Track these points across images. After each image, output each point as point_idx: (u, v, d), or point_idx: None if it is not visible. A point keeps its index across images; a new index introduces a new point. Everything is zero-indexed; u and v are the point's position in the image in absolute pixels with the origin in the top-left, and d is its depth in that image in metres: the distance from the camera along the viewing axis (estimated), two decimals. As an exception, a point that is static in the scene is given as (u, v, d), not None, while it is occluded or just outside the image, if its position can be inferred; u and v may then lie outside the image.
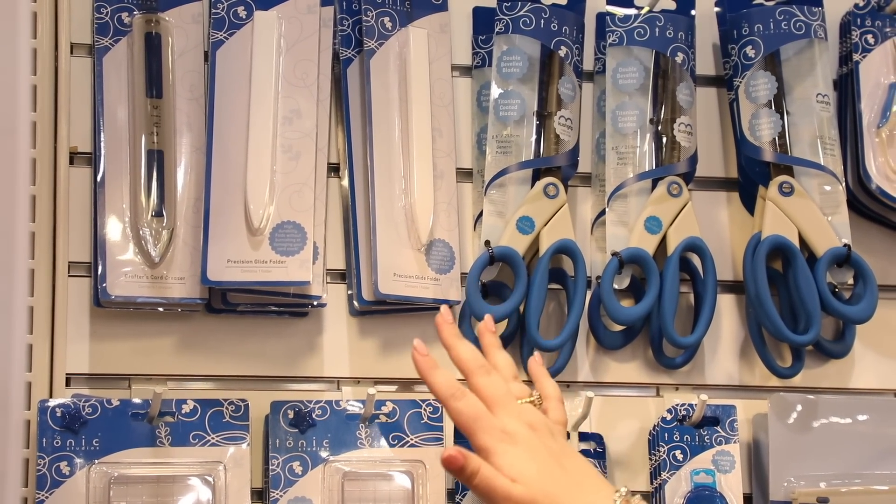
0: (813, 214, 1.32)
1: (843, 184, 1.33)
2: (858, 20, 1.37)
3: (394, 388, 1.30)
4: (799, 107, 1.34)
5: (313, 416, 1.24)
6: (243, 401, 1.23)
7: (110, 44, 1.26)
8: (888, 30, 1.37)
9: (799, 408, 1.31)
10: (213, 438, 1.21)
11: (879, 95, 1.36)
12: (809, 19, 1.35)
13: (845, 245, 1.31)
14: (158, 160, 1.24)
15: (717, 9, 1.41)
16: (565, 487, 1.05)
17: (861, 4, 1.39)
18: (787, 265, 1.33)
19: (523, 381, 1.11)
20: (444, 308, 1.12)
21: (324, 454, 1.23)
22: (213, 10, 1.27)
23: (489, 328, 1.14)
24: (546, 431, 1.08)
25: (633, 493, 1.05)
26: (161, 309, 1.24)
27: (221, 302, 1.26)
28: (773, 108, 1.34)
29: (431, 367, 1.08)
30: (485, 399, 1.07)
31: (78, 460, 1.19)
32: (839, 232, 1.32)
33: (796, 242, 1.31)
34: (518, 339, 1.31)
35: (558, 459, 1.06)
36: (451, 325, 1.11)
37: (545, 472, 1.05)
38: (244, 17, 1.28)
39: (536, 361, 1.15)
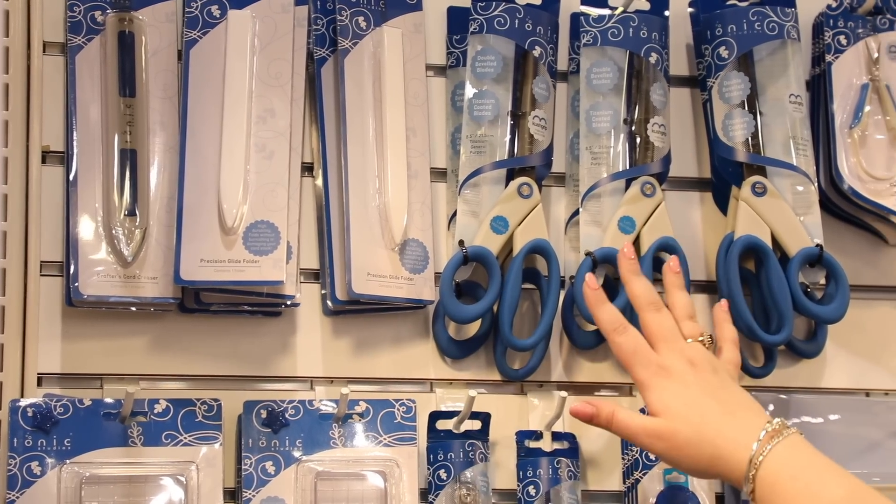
0: (785, 215, 1.32)
1: (816, 184, 1.34)
2: (831, 21, 1.38)
3: (367, 387, 1.30)
4: (772, 107, 1.35)
5: (286, 415, 1.23)
6: (216, 400, 1.22)
7: (83, 42, 1.26)
8: (860, 31, 1.38)
9: (771, 407, 1.31)
10: (185, 438, 1.21)
11: (852, 96, 1.37)
12: (782, 20, 1.35)
13: (817, 245, 1.32)
14: (131, 159, 1.23)
15: (690, 9, 1.41)
16: (713, 419, 1.08)
17: (834, 6, 1.39)
18: (759, 265, 1.33)
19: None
20: (627, 244, 1.17)
21: (297, 454, 1.23)
22: (187, 9, 1.27)
23: (673, 269, 1.18)
24: (708, 368, 1.11)
25: (786, 424, 1.06)
26: (134, 308, 1.23)
27: (194, 301, 1.25)
28: (747, 108, 1.34)
29: (599, 300, 1.15)
30: (650, 334, 1.13)
31: (49, 460, 1.18)
32: (811, 232, 1.33)
33: (769, 242, 1.32)
34: (492, 339, 1.31)
35: (714, 392, 1.09)
36: (632, 261, 1.16)
37: (694, 405, 1.09)
38: (218, 16, 1.27)
39: (722, 308, 1.19)
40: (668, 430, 1.09)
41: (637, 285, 1.15)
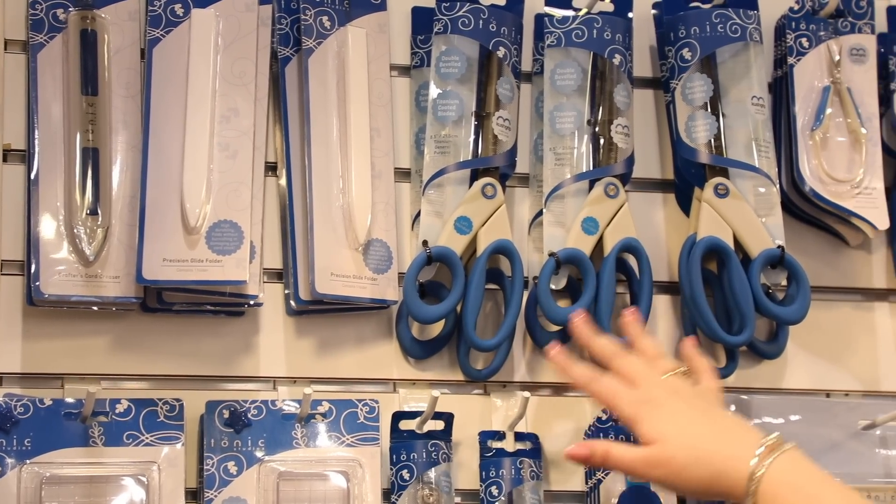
0: (747, 216, 1.33)
1: (778, 186, 1.35)
2: (793, 24, 1.39)
3: (330, 387, 1.29)
4: (734, 109, 1.35)
5: (249, 415, 1.23)
6: (178, 400, 1.22)
7: (45, 40, 1.25)
8: (822, 33, 1.39)
9: (733, 408, 1.32)
10: (147, 438, 1.21)
11: (813, 98, 1.38)
12: (745, 22, 1.36)
13: (779, 246, 1.33)
14: (94, 158, 1.23)
15: (654, 11, 1.42)
16: (709, 439, 1.07)
17: (796, 8, 1.40)
18: (721, 266, 1.34)
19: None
20: (578, 312, 1.17)
21: (259, 454, 1.23)
22: (150, 8, 1.27)
23: (630, 319, 1.17)
24: (692, 394, 1.11)
25: (783, 440, 1.05)
26: (95, 308, 1.23)
27: (157, 301, 1.25)
28: (709, 110, 1.35)
29: (568, 364, 1.14)
30: (627, 377, 1.12)
31: (9, 460, 1.17)
32: (773, 233, 1.33)
33: (731, 244, 1.32)
34: (455, 339, 1.32)
35: (704, 414, 1.09)
36: (584, 327, 1.16)
37: (687, 428, 1.08)
38: (181, 14, 1.27)
39: (687, 344, 1.18)
40: (664, 457, 1.08)
41: (597, 344, 1.15)
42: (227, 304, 1.26)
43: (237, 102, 1.26)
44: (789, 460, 1.04)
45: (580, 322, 1.16)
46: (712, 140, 1.34)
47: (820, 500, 1.02)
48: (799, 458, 1.05)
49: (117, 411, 1.21)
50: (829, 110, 1.37)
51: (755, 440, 1.05)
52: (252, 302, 1.26)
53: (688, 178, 1.36)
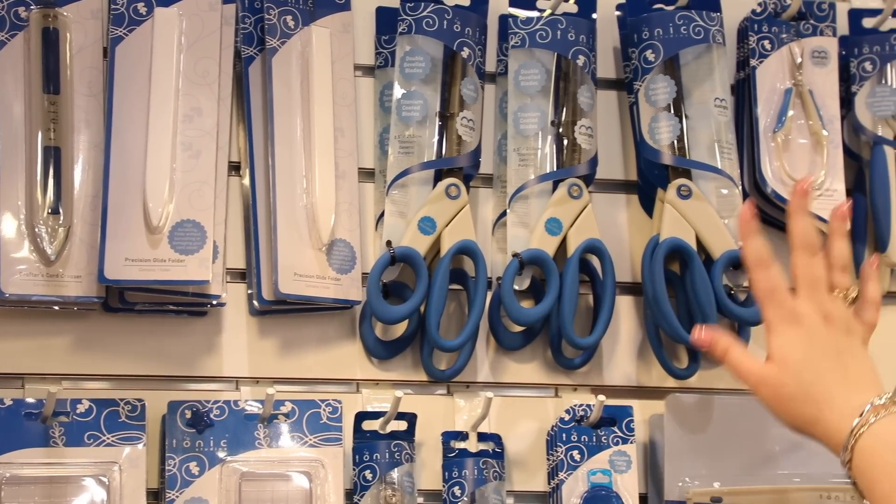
0: (710, 217, 1.33)
1: (740, 187, 1.35)
2: (755, 26, 1.39)
3: (293, 387, 1.29)
4: (697, 111, 1.36)
5: (211, 416, 1.23)
6: (140, 400, 1.22)
7: (6, 38, 1.24)
8: (784, 36, 1.40)
9: (694, 408, 1.32)
10: (108, 438, 1.20)
11: (775, 100, 1.38)
12: (708, 24, 1.37)
13: (741, 248, 1.33)
14: (55, 157, 1.22)
15: (617, 13, 1.42)
16: (828, 380, 1.06)
17: (758, 10, 1.41)
18: (684, 267, 1.34)
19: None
20: (807, 176, 1.18)
21: (221, 454, 1.22)
22: (113, 6, 1.26)
23: (841, 215, 1.15)
24: (842, 326, 1.09)
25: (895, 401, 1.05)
26: (56, 307, 1.22)
27: (119, 301, 1.24)
28: (672, 111, 1.35)
29: (751, 232, 1.12)
30: (796, 277, 1.10)
31: (-31, 461, 1.17)
32: (735, 235, 1.34)
33: (693, 245, 1.33)
34: (418, 340, 1.32)
35: (837, 354, 1.07)
36: (803, 200, 1.13)
37: (812, 361, 1.07)
38: (144, 13, 1.26)
39: (871, 264, 1.16)
40: (776, 380, 1.07)
41: (799, 222, 1.12)
42: (190, 303, 1.26)
43: (200, 102, 1.26)
44: (894, 422, 1.03)
45: (804, 188, 1.13)
46: (675, 141, 1.35)
47: None
48: None
49: (78, 411, 1.20)
50: (790, 112, 1.38)
51: (869, 396, 1.04)
52: (215, 302, 1.25)
53: (651, 179, 1.36)
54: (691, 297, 1.33)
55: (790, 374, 1.08)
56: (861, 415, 1.04)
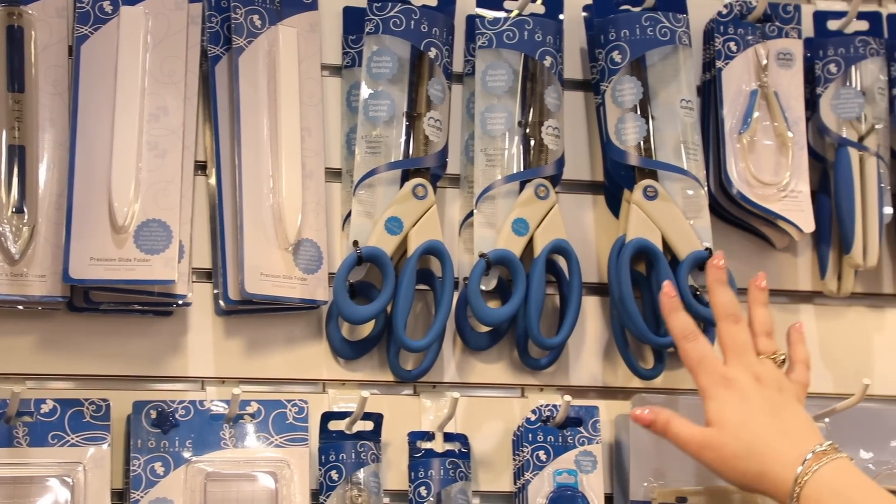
0: (676, 218, 1.34)
1: (706, 188, 1.36)
2: (721, 28, 1.40)
3: (259, 388, 1.29)
4: (663, 112, 1.36)
5: (176, 416, 1.22)
6: (104, 400, 1.21)
7: (-29, 36, 1.24)
8: (750, 38, 1.40)
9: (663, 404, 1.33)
10: (72, 439, 1.19)
11: (741, 102, 1.39)
12: (674, 26, 1.37)
13: (707, 249, 1.34)
14: (20, 155, 1.21)
15: (584, 14, 1.42)
16: (768, 434, 1.09)
17: (724, 12, 1.41)
18: (650, 268, 1.35)
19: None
20: (719, 253, 1.21)
21: (186, 454, 1.22)
22: (78, 5, 1.25)
23: (759, 285, 1.21)
24: (773, 385, 1.12)
25: (836, 448, 1.08)
26: (21, 307, 1.22)
27: (84, 300, 1.24)
28: (639, 112, 1.36)
29: (675, 308, 1.18)
30: (723, 345, 1.15)
31: (-68, 461, 1.16)
32: (701, 236, 1.34)
33: (660, 246, 1.33)
34: (385, 340, 1.31)
35: (773, 410, 1.11)
36: (721, 271, 1.19)
37: (750, 419, 1.10)
38: (110, 12, 1.26)
39: (797, 329, 1.21)
40: (717, 442, 1.11)
41: (721, 295, 1.18)
42: (156, 303, 1.25)
43: (166, 101, 1.25)
44: (837, 469, 1.06)
45: (718, 264, 1.19)
46: (641, 142, 1.35)
47: None
48: (847, 466, 1.06)
49: (42, 411, 1.19)
50: (756, 114, 1.38)
51: (809, 445, 1.07)
52: (180, 301, 1.25)
53: (617, 179, 1.36)
54: (657, 297, 1.33)
55: (730, 434, 1.12)
56: (803, 463, 1.07)
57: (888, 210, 1.40)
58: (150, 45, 1.26)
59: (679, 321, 1.18)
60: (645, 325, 1.31)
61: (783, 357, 1.17)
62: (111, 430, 1.20)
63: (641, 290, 1.36)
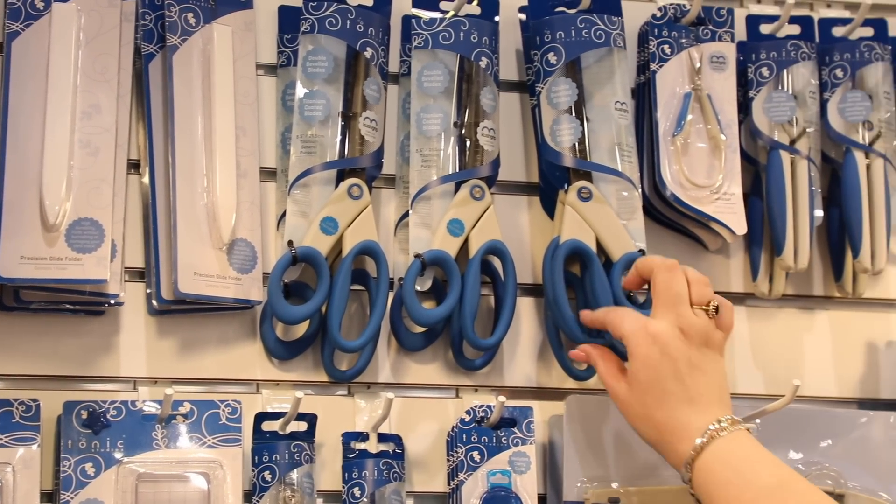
0: (610, 220, 1.35)
1: (640, 190, 1.37)
2: (656, 30, 1.41)
3: (192, 388, 1.28)
4: (598, 114, 1.37)
5: (108, 416, 1.21)
6: (34, 401, 1.20)
7: None
8: (684, 41, 1.41)
9: (593, 410, 1.33)
10: (1, 439, 1.18)
11: (675, 105, 1.40)
12: (609, 28, 1.38)
13: (640, 250, 1.35)
14: (-51, 153, 1.20)
15: (520, 15, 1.43)
16: (670, 404, 1.10)
17: (658, 15, 1.42)
18: (584, 269, 1.35)
19: None
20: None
21: (118, 455, 1.21)
22: (9, 1, 1.24)
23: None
24: (699, 340, 1.12)
25: (737, 422, 1.08)
26: (-51, 306, 1.21)
27: (14, 300, 1.23)
28: (574, 114, 1.36)
29: (593, 322, 1.21)
30: (656, 294, 1.14)
31: None
32: (635, 237, 1.35)
33: (593, 247, 1.34)
34: (319, 340, 1.31)
35: (687, 373, 1.11)
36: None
37: (657, 386, 1.11)
38: (41, 8, 1.25)
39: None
40: (626, 400, 1.14)
41: (650, 262, 1.19)
42: (87, 302, 1.24)
43: (99, 99, 1.24)
44: (733, 440, 1.07)
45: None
46: (576, 144, 1.36)
47: (752, 476, 1.05)
48: (744, 438, 1.07)
49: (-29, 412, 1.18)
50: (689, 116, 1.39)
51: (711, 417, 1.07)
52: (113, 301, 1.24)
53: (552, 181, 1.37)
54: (591, 298, 1.33)
55: (637, 394, 1.14)
56: (703, 434, 1.07)
57: (819, 213, 1.42)
58: (83, 42, 1.25)
59: (600, 311, 1.22)
60: (578, 327, 1.32)
61: (716, 306, 1.17)
62: (41, 431, 1.19)
63: (575, 292, 1.36)
